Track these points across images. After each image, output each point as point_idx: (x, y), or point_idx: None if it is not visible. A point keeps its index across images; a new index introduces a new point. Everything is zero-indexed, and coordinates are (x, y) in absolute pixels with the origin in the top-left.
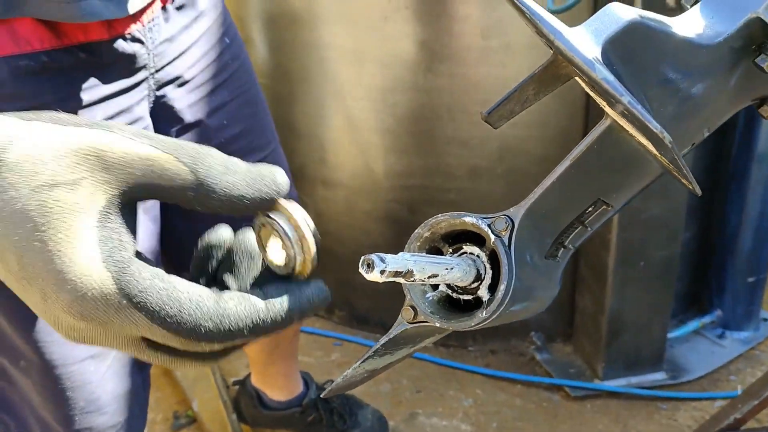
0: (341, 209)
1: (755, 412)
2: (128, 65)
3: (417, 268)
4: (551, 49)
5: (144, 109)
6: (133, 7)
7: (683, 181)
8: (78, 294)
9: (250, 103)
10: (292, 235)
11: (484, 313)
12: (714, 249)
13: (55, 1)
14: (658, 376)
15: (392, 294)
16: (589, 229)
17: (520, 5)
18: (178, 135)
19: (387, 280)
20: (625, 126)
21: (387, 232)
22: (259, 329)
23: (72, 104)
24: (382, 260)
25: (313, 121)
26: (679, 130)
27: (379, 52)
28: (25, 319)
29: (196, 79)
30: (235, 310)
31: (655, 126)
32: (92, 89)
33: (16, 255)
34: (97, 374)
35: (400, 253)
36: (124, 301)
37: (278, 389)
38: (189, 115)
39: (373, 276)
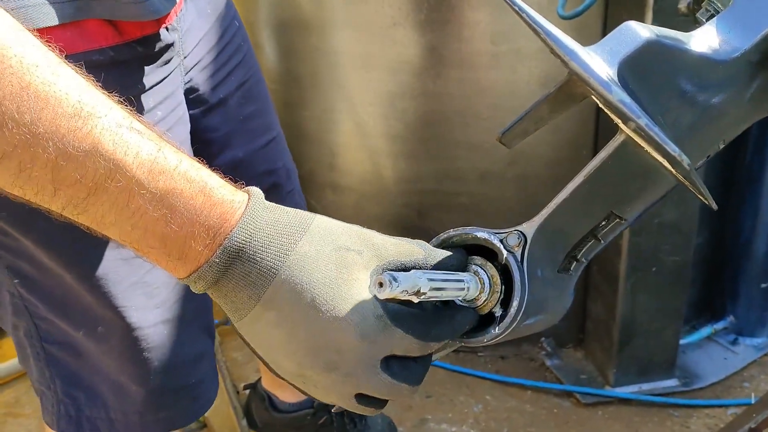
0: (350, 214)
1: None
2: (169, 54)
3: (431, 287)
4: (566, 69)
5: (181, 94)
6: None
7: (698, 196)
8: (362, 316)
9: (260, 82)
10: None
11: (497, 329)
12: (727, 254)
13: (124, 2)
14: (671, 383)
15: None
16: (602, 242)
17: (535, 25)
18: (203, 115)
19: (400, 298)
20: (640, 142)
21: (396, 236)
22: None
23: (133, 92)
24: (395, 279)
25: (322, 127)
26: (695, 142)
27: (388, 58)
28: (109, 287)
29: (215, 61)
30: (459, 320)
31: (672, 149)
32: (146, 77)
33: (320, 289)
34: (171, 337)
35: (413, 271)
36: (389, 321)
37: (291, 390)
38: (213, 97)
39: (385, 295)
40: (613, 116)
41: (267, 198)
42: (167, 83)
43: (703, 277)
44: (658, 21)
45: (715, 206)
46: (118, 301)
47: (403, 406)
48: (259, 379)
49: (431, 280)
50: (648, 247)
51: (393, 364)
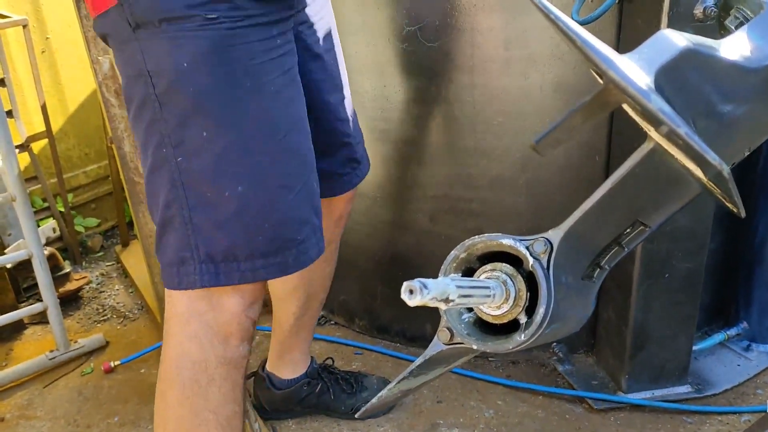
0: (363, 219)
1: None
2: (289, 4)
3: (459, 294)
4: (601, 78)
5: (293, 37)
6: None
7: (728, 204)
8: None
9: (340, 51)
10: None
11: (523, 336)
12: (740, 261)
13: None
14: (683, 389)
15: (432, 306)
16: (625, 249)
17: (572, 34)
18: (308, 62)
19: (429, 305)
20: (669, 150)
21: (409, 241)
22: None
23: (266, 31)
24: (425, 286)
25: None
26: (724, 149)
27: (401, 64)
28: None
29: (317, 24)
30: None
31: (713, 158)
32: (277, 14)
33: None
34: (287, 201)
35: (441, 278)
36: None
37: (292, 366)
38: (316, 49)
39: (415, 302)
40: (642, 123)
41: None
42: (287, 25)
43: (716, 284)
44: (673, 26)
45: (743, 213)
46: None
47: (414, 411)
48: (262, 363)
49: (459, 287)
50: (661, 253)
51: None
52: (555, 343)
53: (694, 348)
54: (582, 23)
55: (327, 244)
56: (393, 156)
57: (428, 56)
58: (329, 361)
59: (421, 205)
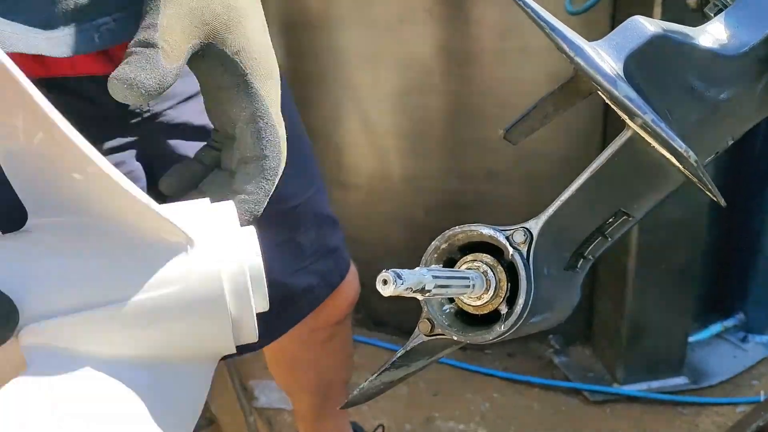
0: (358, 212)
1: None
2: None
3: (435, 285)
4: (572, 65)
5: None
6: None
7: (707, 192)
8: None
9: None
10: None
11: (503, 327)
12: (736, 252)
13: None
14: (679, 381)
15: (409, 297)
16: (609, 239)
17: (540, 21)
18: None
19: (404, 295)
20: (647, 138)
21: (404, 234)
22: None
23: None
24: (399, 276)
25: (329, 125)
26: (703, 138)
27: (395, 55)
28: None
29: None
30: None
31: (679, 145)
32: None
33: None
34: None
35: (418, 269)
36: None
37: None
38: None
39: (389, 292)
40: (619, 112)
41: None
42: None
43: (712, 275)
44: (667, 16)
45: (723, 203)
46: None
47: (410, 403)
48: None
49: (436, 277)
50: (656, 245)
51: None
52: (551, 336)
53: (690, 339)
54: (574, 14)
55: (328, 338)
56: (388, 148)
57: (423, 48)
58: (380, 430)
59: (416, 198)
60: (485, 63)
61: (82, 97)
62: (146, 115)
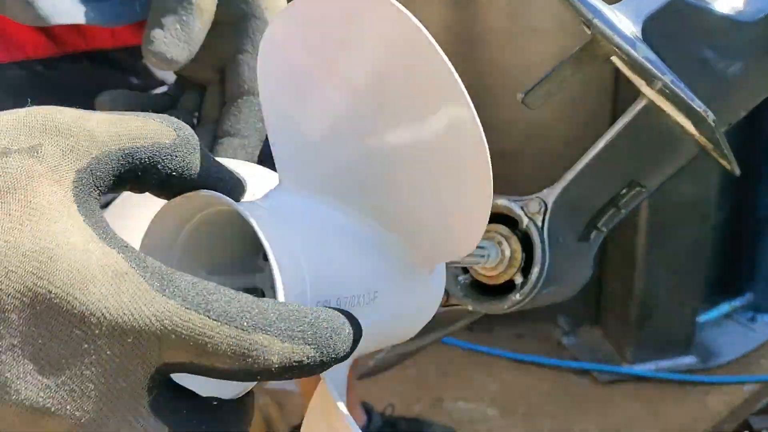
0: None
1: None
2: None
3: None
4: (589, 29)
5: None
6: None
7: (721, 161)
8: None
9: None
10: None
11: (518, 296)
12: (745, 232)
13: None
14: (688, 360)
15: None
16: (623, 211)
17: None
18: None
19: None
20: (662, 106)
21: None
22: None
23: None
24: None
25: None
26: (717, 109)
27: None
28: None
29: None
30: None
31: (698, 105)
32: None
33: None
34: None
35: None
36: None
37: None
38: None
39: None
40: (634, 78)
41: None
42: None
43: (720, 255)
44: None
45: (738, 171)
46: None
47: (420, 384)
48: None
49: None
50: (666, 224)
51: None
52: (560, 316)
53: (699, 319)
54: None
55: None
56: None
57: (431, 29)
58: (389, 409)
59: None
60: (494, 43)
61: (120, 68)
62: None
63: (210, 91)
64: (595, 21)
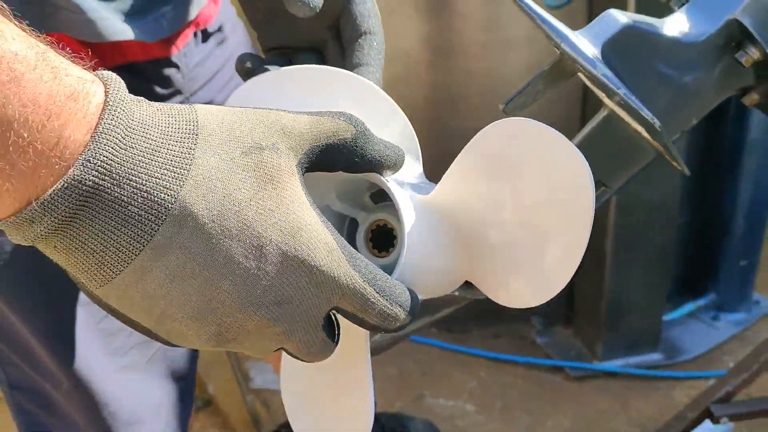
0: None
1: (745, 386)
2: (166, 89)
3: None
4: (558, 50)
5: None
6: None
7: (673, 163)
8: (312, 248)
9: None
10: None
11: None
12: (708, 234)
13: (71, 13)
14: (655, 357)
15: None
16: None
17: (531, 13)
18: None
19: None
20: (622, 115)
21: None
22: None
23: None
24: None
25: None
26: (671, 118)
27: (385, 47)
28: (59, 342)
29: (227, 101)
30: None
31: (646, 114)
32: None
33: (244, 216)
34: (132, 386)
35: None
36: (344, 259)
37: None
38: None
39: None
40: (598, 91)
41: None
42: None
43: (685, 256)
44: (640, 10)
45: (687, 172)
46: (70, 359)
47: (401, 383)
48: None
49: None
50: (633, 227)
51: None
52: (534, 317)
53: (666, 318)
54: (554, 8)
55: None
56: None
57: (410, 40)
58: None
59: None
60: (469, 54)
61: (147, 78)
62: (186, 94)
63: (330, 46)
64: (562, 45)
